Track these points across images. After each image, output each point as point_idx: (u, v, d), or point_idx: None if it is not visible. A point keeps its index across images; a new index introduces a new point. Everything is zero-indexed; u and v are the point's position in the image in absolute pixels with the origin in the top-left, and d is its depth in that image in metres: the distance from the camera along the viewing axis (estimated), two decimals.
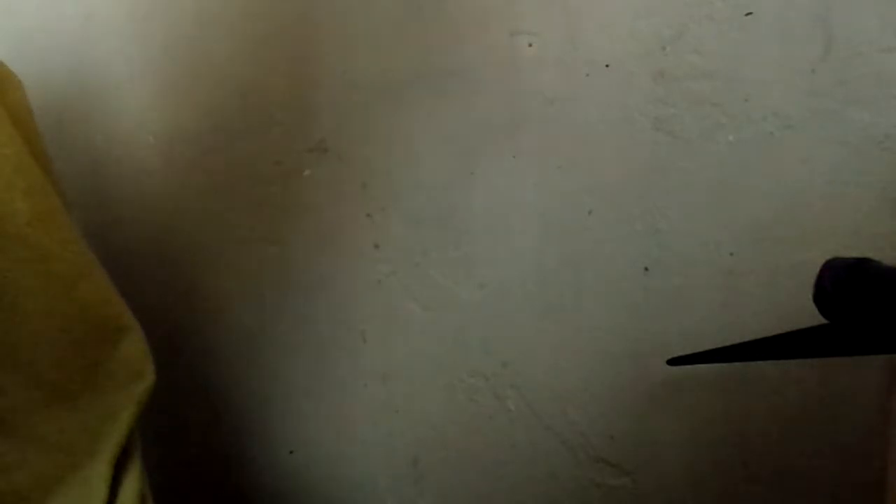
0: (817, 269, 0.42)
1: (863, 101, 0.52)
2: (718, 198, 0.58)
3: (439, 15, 0.65)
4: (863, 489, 0.57)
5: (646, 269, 0.61)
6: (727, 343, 0.51)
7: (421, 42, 0.66)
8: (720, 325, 0.59)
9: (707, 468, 0.63)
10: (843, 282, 0.41)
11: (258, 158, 0.75)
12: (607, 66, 0.60)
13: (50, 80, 0.82)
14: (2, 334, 0.51)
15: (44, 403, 0.53)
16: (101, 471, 0.53)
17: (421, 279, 0.70)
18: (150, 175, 0.80)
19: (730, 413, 0.61)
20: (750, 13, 0.55)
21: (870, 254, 0.43)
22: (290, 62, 0.72)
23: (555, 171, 0.63)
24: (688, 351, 0.53)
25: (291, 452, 0.81)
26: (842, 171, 0.54)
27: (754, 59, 0.55)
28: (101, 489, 0.53)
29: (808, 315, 0.43)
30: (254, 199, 0.77)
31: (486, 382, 0.70)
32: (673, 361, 0.53)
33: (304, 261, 0.76)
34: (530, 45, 0.62)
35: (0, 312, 0.51)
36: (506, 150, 0.64)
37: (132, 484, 0.55)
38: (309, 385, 0.79)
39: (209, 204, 0.79)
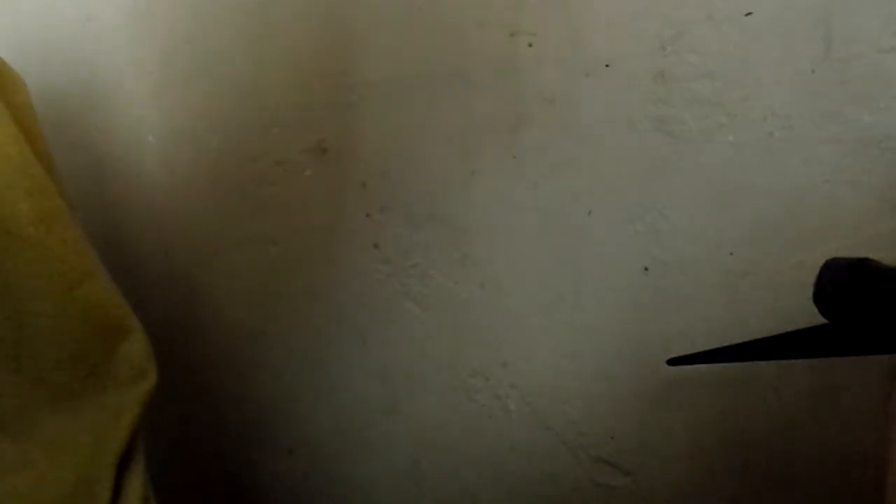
0: (817, 269, 0.42)
1: (863, 101, 0.52)
2: (718, 198, 0.58)
3: (439, 15, 0.65)
4: (862, 489, 0.57)
5: (646, 269, 0.61)
6: (727, 343, 0.51)
7: (421, 42, 0.66)
8: (720, 325, 0.59)
9: (707, 468, 0.63)
10: (843, 282, 0.41)
11: (258, 158, 0.75)
12: (607, 66, 0.59)
13: (50, 80, 0.82)
14: (4, 335, 0.51)
15: (47, 404, 0.53)
16: (104, 472, 0.53)
17: (421, 279, 0.70)
18: (150, 175, 0.80)
19: (730, 413, 0.61)
20: (750, 13, 0.55)
21: (870, 254, 0.43)
22: (290, 62, 0.72)
23: (555, 171, 0.63)
24: (688, 351, 0.53)
25: (291, 452, 0.81)
26: (842, 171, 0.54)
27: (754, 59, 0.55)
28: (104, 490, 0.53)
29: (808, 315, 0.43)
30: (254, 199, 0.76)
31: (486, 382, 0.70)
32: (673, 361, 0.53)
33: (305, 261, 0.76)
34: (530, 45, 0.62)
35: (2, 313, 0.51)
36: (506, 150, 0.64)
37: (135, 485, 0.56)
38: (309, 385, 0.79)
39: (209, 204, 0.79)
